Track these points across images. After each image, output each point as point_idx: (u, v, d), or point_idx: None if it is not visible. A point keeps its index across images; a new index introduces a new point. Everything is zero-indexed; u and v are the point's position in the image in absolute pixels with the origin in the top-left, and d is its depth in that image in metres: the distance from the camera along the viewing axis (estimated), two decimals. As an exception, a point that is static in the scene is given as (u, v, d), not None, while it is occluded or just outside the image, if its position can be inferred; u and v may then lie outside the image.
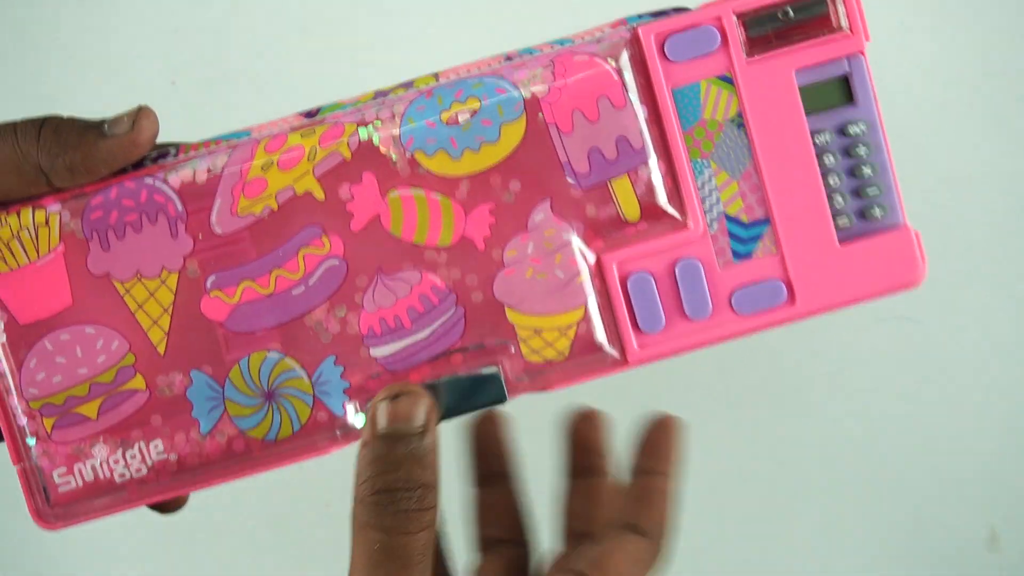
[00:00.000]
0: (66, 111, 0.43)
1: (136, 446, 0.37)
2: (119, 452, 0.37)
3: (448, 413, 0.37)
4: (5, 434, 0.37)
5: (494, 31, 0.53)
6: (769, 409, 0.56)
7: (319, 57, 0.54)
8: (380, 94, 0.37)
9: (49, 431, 0.37)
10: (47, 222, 0.36)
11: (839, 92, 0.37)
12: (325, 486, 0.54)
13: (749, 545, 0.57)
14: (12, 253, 0.36)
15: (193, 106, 0.54)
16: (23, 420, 0.37)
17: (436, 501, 0.32)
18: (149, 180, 0.36)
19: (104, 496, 0.37)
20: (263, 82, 0.54)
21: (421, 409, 0.34)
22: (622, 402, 0.45)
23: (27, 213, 0.36)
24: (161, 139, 0.40)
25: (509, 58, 0.37)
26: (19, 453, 0.37)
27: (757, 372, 0.59)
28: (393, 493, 0.31)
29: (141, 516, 0.46)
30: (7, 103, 0.54)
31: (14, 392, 0.37)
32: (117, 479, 0.37)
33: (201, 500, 0.48)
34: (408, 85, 0.37)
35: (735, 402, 0.57)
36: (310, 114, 0.37)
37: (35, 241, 0.36)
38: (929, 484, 0.57)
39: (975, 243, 0.55)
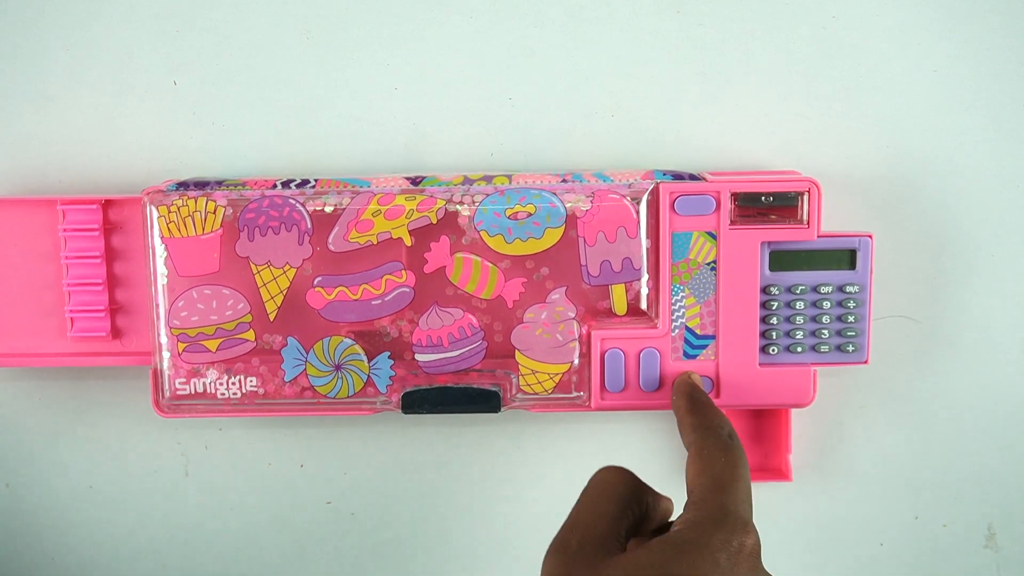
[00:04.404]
0: (66, 110, 0.56)
1: (237, 377, 0.52)
2: (224, 378, 0.52)
3: (457, 409, 0.52)
4: (152, 345, 0.52)
5: (494, 31, 0.55)
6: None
7: (320, 58, 0.55)
8: (468, 181, 0.51)
9: (180, 351, 0.52)
10: (214, 211, 0.50)
11: (801, 259, 0.51)
12: (325, 484, 0.58)
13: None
14: (186, 225, 0.51)
15: (193, 106, 0.55)
16: (164, 339, 0.52)
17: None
18: (292, 200, 0.50)
19: (205, 404, 0.52)
20: (263, 82, 0.55)
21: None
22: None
23: (202, 200, 0.50)
24: (164, 137, 0.53)
25: (564, 180, 0.51)
26: (155, 360, 0.52)
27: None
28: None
29: (144, 516, 0.59)
30: (8, 103, 0.56)
31: (163, 319, 0.51)
32: (218, 396, 0.52)
33: (202, 497, 0.59)
34: (489, 179, 0.51)
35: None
36: (415, 181, 0.51)
37: (203, 221, 0.51)
38: (927, 482, 0.57)
39: (975, 242, 0.56)
